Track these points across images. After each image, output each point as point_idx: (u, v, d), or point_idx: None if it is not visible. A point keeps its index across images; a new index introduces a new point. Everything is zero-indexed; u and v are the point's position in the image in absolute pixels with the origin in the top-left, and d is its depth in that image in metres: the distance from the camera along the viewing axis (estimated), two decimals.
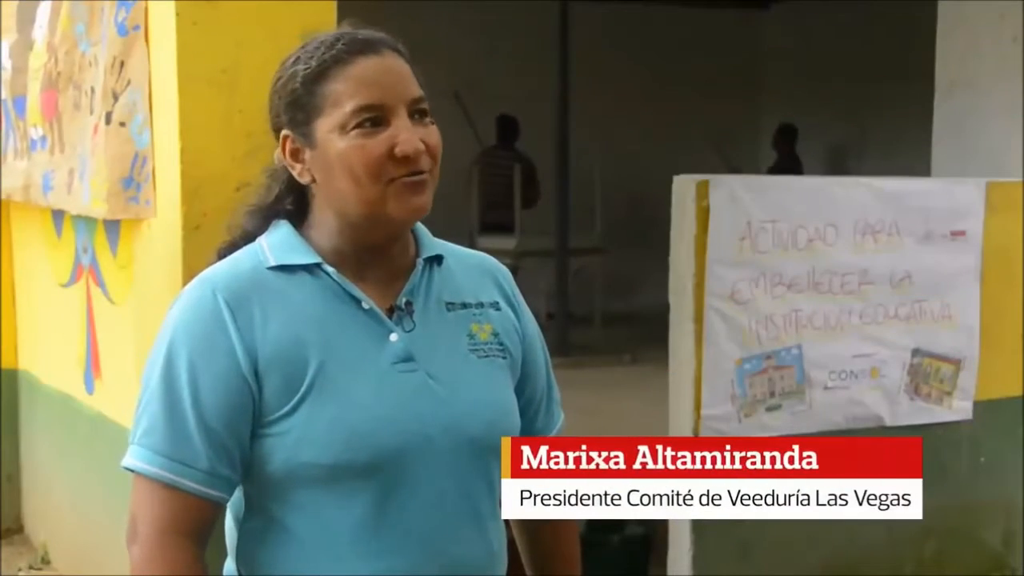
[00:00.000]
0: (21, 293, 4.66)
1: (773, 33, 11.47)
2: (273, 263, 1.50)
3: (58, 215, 3.97)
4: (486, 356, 1.56)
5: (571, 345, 8.22)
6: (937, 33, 5.22)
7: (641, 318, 7.46)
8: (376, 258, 1.53)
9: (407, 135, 1.46)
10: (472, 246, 1.80)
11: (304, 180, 1.51)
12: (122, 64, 3.04)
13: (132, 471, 1.46)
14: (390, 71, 1.49)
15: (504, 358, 1.58)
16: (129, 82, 3.03)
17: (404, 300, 1.53)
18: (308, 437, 1.44)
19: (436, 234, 1.66)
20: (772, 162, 9.80)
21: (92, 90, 3.25)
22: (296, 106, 1.49)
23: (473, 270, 1.64)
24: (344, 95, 1.46)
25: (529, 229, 8.68)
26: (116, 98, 3.07)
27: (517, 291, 1.67)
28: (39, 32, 3.83)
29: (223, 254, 1.57)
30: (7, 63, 4.15)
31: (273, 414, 1.45)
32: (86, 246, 3.74)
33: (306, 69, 1.49)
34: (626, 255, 9.26)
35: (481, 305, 1.59)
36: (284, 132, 1.52)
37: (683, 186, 3.46)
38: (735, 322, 3.47)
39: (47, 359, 4.35)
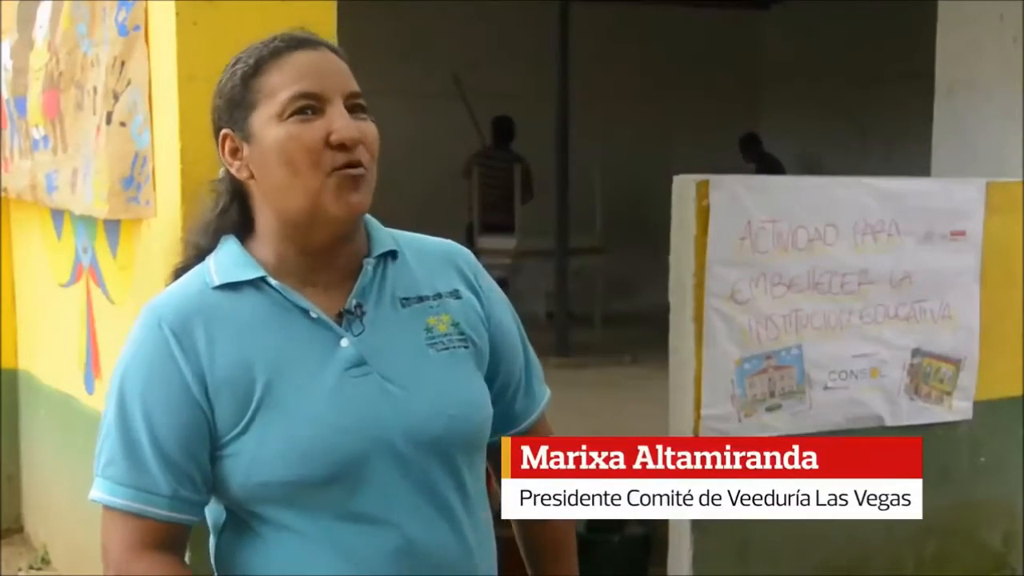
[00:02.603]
0: (21, 293, 4.66)
1: (773, 33, 11.47)
2: (218, 282, 1.49)
3: (58, 215, 3.97)
4: (445, 348, 1.52)
5: (571, 345, 8.23)
6: (937, 33, 5.22)
7: (641, 318, 7.47)
8: (323, 261, 1.50)
9: (343, 122, 1.44)
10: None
11: (241, 176, 1.49)
12: (122, 64, 3.04)
13: (98, 502, 1.48)
14: (326, 63, 1.49)
15: (466, 348, 1.54)
16: (129, 82, 3.03)
17: (354, 303, 1.50)
18: (261, 457, 1.43)
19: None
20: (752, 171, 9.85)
21: (95, 90, 3.25)
22: (234, 103, 1.49)
23: (431, 259, 1.59)
24: (280, 85, 1.45)
25: (529, 229, 8.68)
26: (116, 98, 3.07)
27: (482, 274, 1.63)
28: (40, 32, 3.83)
29: (178, 275, 1.56)
30: (8, 63, 4.15)
31: (226, 436, 1.45)
32: (86, 246, 3.74)
33: (244, 68, 1.49)
34: (626, 255, 9.27)
35: (439, 296, 1.55)
36: (223, 131, 1.50)
37: (683, 186, 3.46)
38: (735, 322, 3.47)
39: (47, 359, 4.35)
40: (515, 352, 1.64)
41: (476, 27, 9.67)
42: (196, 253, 1.56)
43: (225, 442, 1.45)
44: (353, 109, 1.47)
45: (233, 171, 1.50)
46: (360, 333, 1.48)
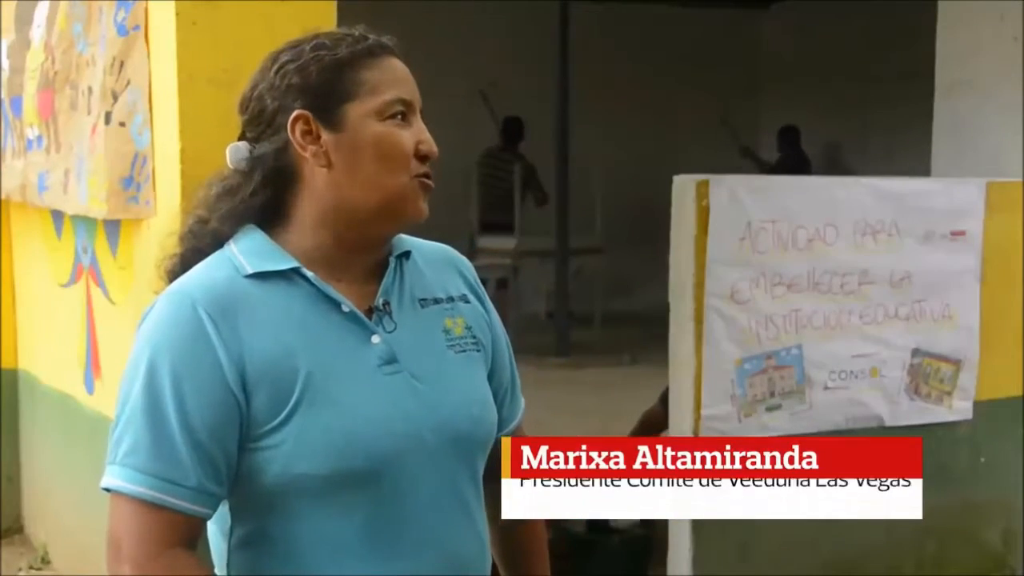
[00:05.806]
0: (21, 293, 4.66)
1: (773, 33, 11.47)
2: (250, 271, 1.46)
3: (58, 215, 3.97)
4: (463, 351, 1.55)
5: (571, 345, 8.23)
6: (937, 33, 5.22)
7: (641, 318, 7.46)
8: (356, 257, 1.52)
9: (428, 136, 1.51)
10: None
11: (319, 163, 1.47)
12: (122, 64, 3.04)
13: (114, 491, 1.41)
14: (409, 75, 1.54)
15: (479, 351, 1.58)
16: (129, 82, 3.03)
17: (382, 300, 1.51)
18: (302, 448, 1.41)
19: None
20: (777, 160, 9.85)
21: (90, 90, 3.24)
22: (322, 89, 1.48)
23: (438, 263, 1.63)
24: (382, 84, 1.48)
25: (529, 229, 8.68)
26: (116, 98, 3.07)
27: (478, 280, 1.68)
28: (37, 32, 3.83)
29: (186, 261, 1.53)
30: (5, 63, 4.15)
31: (264, 427, 1.41)
32: (86, 246, 3.74)
33: (333, 55, 1.49)
34: (626, 255, 9.27)
35: (452, 299, 1.59)
36: (299, 112, 1.48)
37: (683, 186, 3.46)
38: (735, 322, 3.47)
39: (47, 359, 4.35)
40: (505, 358, 1.67)
41: (475, 27, 9.67)
42: (214, 240, 1.53)
43: (261, 434, 1.41)
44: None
45: (307, 155, 1.48)
46: (392, 330, 1.50)
